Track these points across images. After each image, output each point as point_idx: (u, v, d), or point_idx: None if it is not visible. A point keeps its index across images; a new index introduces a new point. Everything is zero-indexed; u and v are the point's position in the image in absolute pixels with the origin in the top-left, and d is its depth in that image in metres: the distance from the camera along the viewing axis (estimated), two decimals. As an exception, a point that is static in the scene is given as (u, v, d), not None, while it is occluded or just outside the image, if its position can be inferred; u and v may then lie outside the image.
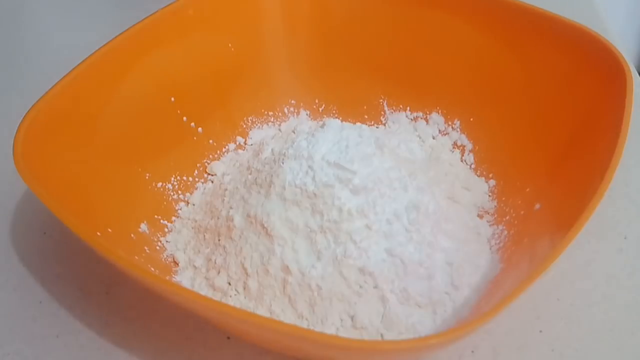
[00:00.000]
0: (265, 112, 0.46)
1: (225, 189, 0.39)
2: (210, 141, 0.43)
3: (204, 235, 0.37)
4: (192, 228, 0.39)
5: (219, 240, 0.36)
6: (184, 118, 0.42)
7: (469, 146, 0.42)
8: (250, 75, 0.45)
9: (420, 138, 0.43)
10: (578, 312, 0.34)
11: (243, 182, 0.38)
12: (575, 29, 0.37)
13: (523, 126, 0.39)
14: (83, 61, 0.36)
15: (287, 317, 0.33)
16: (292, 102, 0.47)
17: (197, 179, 0.42)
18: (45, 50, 0.58)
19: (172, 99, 0.41)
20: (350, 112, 0.46)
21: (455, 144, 0.43)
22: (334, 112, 0.47)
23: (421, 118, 0.44)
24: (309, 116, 0.47)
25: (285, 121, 0.46)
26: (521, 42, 0.39)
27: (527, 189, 0.37)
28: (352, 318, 0.32)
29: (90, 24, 0.61)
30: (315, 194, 0.33)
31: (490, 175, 0.40)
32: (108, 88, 0.38)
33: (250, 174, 0.37)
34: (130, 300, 0.36)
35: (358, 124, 0.40)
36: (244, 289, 0.34)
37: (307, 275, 0.32)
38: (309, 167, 0.34)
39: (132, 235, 0.36)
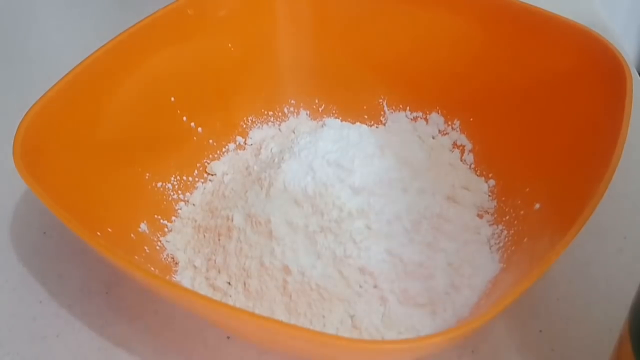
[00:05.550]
0: (265, 112, 0.46)
1: (225, 189, 0.39)
2: (210, 141, 0.43)
3: (204, 235, 0.37)
4: (192, 228, 0.39)
5: (219, 240, 0.36)
6: (184, 118, 0.42)
7: (469, 146, 0.42)
8: (250, 75, 0.45)
9: (420, 138, 0.43)
10: (578, 312, 0.34)
11: (243, 182, 0.38)
12: (575, 29, 0.37)
13: (523, 126, 0.39)
14: (83, 61, 0.36)
15: (287, 317, 0.33)
16: (292, 102, 0.47)
17: (197, 179, 0.42)
18: (45, 50, 0.58)
19: (172, 99, 0.41)
20: (350, 112, 0.46)
21: (455, 144, 0.43)
22: (334, 112, 0.46)
23: (421, 118, 0.44)
24: (309, 116, 0.47)
25: (285, 121, 0.46)
26: (521, 42, 0.39)
27: (527, 189, 0.37)
28: (352, 318, 0.32)
29: (90, 24, 0.61)
30: (315, 194, 0.33)
31: (490, 175, 0.40)
32: (108, 88, 0.38)
33: (250, 174, 0.37)
34: (130, 300, 0.36)
35: (358, 124, 0.40)
36: (244, 289, 0.34)
37: (307, 275, 0.32)
38: (309, 167, 0.34)
39: (132, 235, 0.36)
